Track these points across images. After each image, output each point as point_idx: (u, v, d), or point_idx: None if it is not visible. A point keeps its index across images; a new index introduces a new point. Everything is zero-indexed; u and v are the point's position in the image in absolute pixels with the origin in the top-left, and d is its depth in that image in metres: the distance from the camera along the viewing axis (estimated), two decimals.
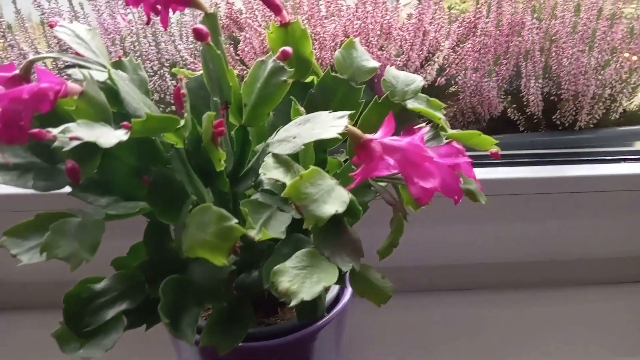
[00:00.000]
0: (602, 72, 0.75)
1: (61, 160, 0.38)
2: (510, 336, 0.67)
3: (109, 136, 0.35)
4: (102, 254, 0.38)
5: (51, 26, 0.46)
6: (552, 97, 0.80)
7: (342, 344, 0.55)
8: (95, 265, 0.39)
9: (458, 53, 0.77)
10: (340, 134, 0.38)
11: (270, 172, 0.37)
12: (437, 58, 0.72)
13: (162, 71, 0.70)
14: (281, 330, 0.45)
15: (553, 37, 0.79)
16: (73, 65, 0.44)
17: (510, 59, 0.79)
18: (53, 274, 0.62)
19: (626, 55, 0.79)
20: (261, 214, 0.36)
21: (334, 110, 0.49)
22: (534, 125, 0.82)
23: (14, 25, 0.73)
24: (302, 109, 0.45)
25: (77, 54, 0.44)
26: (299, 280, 0.33)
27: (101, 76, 0.43)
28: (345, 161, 0.50)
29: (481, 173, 0.70)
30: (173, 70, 0.54)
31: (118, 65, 0.48)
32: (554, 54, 0.78)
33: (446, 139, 0.46)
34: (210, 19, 0.43)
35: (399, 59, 0.71)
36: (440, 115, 0.46)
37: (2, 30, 0.71)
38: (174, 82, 0.72)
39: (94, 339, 0.40)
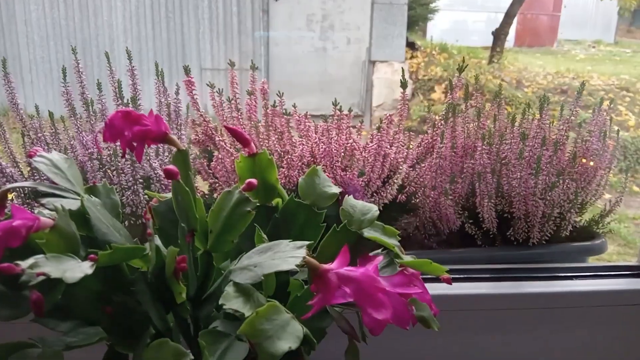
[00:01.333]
0: (550, 193, 0.82)
1: (26, 289, 0.39)
2: None
3: (75, 271, 0.36)
4: None
5: (30, 156, 0.49)
6: (506, 215, 0.85)
7: None
8: None
9: (417, 172, 0.83)
10: (297, 265, 0.41)
11: (229, 302, 0.39)
12: (397, 179, 0.77)
13: (136, 186, 0.73)
14: None
15: (503, 161, 0.86)
16: (49, 194, 0.46)
17: (465, 178, 0.85)
18: None
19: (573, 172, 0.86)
20: (219, 345, 0.37)
21: (297, 233, 0.53)
22: (491, 240, 0.86)
23: None
24: (264, 237, 0.48)
25: (54, 182, 0.47)
26: None
27: (74, 204, 0.46)
28: (306, 280, 0.52)
29: (442, 289, 0.72)
30: (146, 192, 0.57)
31: (92, 190, 0.51)
32: (504, 175, 0.84)
33: (400, 266, 0.48)
34: (181, 155, 0.47)
35: (361, 178, 0.76)
36: (394, 243, 0.49)
37: None
38: (146, 197, 0.74)
39: None
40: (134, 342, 0.38)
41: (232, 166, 0.75)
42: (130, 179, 0.73)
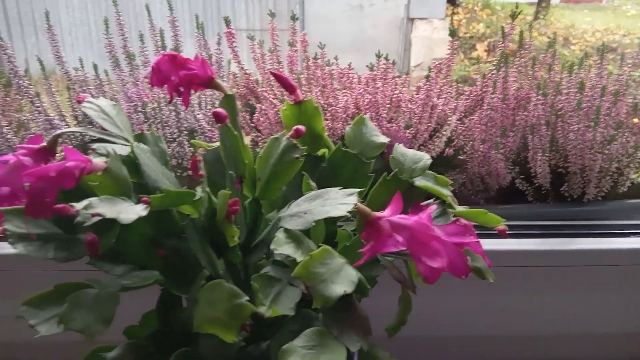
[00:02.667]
0: (608, 146, 0.77)
1: (81, 232, 0.40)
2: None
3: (129, 212, 0.36)
4: (116, 318, 0.38)
5: (79, 102, 0.49)
6: (559, 170, 0.81)
7: None
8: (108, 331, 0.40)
9: (465, 125, 0.80)
10: (349, 211, 0.39)
11: (281, 247, 0.38)
12: (446, 131, 0.74)
13: (180, 138, 0.73)
14: None
15: (559, 112, 0.82)
16: (98, 140, 0.46)
17: (517, 131, 0.81)
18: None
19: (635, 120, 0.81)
20: (271, 288, 0.37)
21: (344, 184, 0.51)
22: (543, 196, 0.83)
23: (41, 92, 0.78)
24: (313, 185, 0.47)
25: (103, 128, 0.47)
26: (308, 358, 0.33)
27: (124, 150, 0.46)
28: (354, 231, 0.51)
29: (490, 244, 0.70)
30: (192, 142, 0.56)
31: (140, 138, 0.50)
32: (560, 128, 0.80)
33: (453, 216, 0.47)
34: (228, 100, 0.46)
35: (408, 131, 0.74)
36: (447, 193, 0.47)
37: (30, 96, 0.75)
38: (191, 148, 0.74)
39: None
40: (187, 284, 0.38)
41: (276, 118, 0.74)
42: (175, 131, 0.73)
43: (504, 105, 0.80)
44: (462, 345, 0.75)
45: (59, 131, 0.46)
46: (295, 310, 0.37)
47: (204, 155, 0.54)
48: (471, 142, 0.80)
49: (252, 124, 0.81)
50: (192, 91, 0.48)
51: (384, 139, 0.54)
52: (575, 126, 0.76)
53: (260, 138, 0.81)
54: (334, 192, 0.43)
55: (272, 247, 0.38)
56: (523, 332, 0.74)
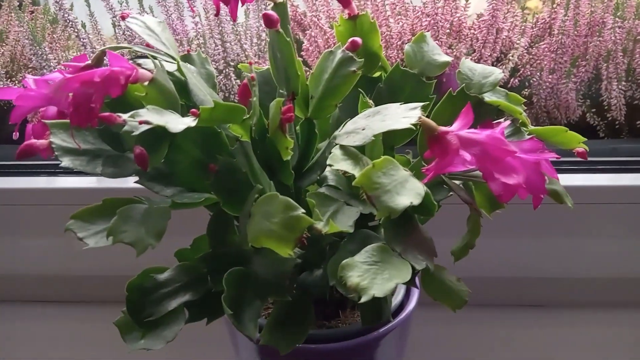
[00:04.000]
0: None
1: (129, 148, 0.38)
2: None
3: (177, 122, 0.34)
4: (165, 247, 0.37)
5: (123, 18, 0.46)
6: (636, 102, 0.74)
7: (405, 354, 0.52)
8: (158, 257, 0.39)
9: (533, 53, 0.73)
10: (413, 124, 0.36)
11: (338, 163, 0.35)
12: (513, 56, 0.68)
13: (227, 70, 0.71)
14: (344, 334, 0.43)
15: (637, 38, 0.73)
16: (144, 56, 0.44)
17: (589, 60, 0.73)
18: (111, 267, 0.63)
19: None
20: (328, 207, 0.34)
21: None
22: (616, 132, 0.76)
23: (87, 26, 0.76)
24: (370, 102, 0.43)
25: (148, 45, 0.44)
26: (370, 275, 0.30)
27: (170, 67, 0.43)
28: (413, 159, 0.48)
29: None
30: (239, 65, 0.53)
31: (186, 58, 0.48)
32: (638, 55, 0.72)
33: (528, 134, 0.42)
34: (279, 8, 0.42)
35: (469, 57, 0.68)
36: (520, 110, 0.43)
37: (76, 30, 0.74)
38: (238, 81, 0.72)
39: (155, 330, 0.39)
40: (240, 201, 0.36)
41: (326, 46, 0.70)
42: (222, 62, 0.70)
43: (576, 32, 0.73)
44: (519, 287, 0.71)
45: (104, 47, 0.44)
46: (353, 229, 0.35)
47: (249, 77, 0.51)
48: (539, 72, 0.73)
49: (300, 58, 0.77)
50: (240, 4, 0.45)
51: (446, 58, 0.49)
52: None
53: (309, 73, 0.78)
54: (394, 107, 0.39)
55: (328, 162, 0.35)
56: (591, 274, 0.69)
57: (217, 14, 0.44)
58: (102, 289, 0.70)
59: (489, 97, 0.43)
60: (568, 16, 0.72)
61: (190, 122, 0.34)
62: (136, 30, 0.45)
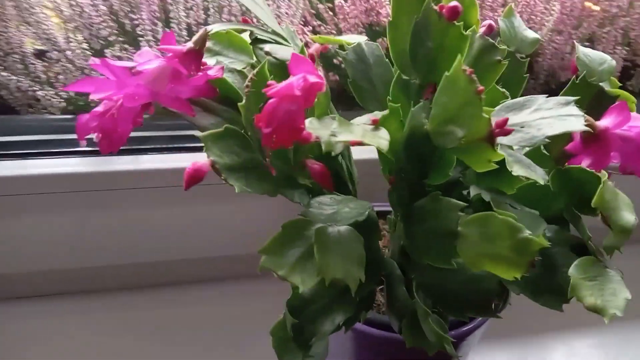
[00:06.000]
0: None
1: (297, 163, 0.33)
2: None
3: (379, 138, 0.30)
4: None
5: None
6: (626, 63, 0.80)
7: None
8: None
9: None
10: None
11: (514, 168, 0.34)
12: (548, 23, 0.68)
13: None
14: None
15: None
16: (266, 40, 0.37)
17: (591, 22, 0.77)
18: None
19: None
20: (539, 223, 0.33)
21: (502, 86, 0.45)
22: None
23: None
24: (506, 92, 0.41)
25: (255, 20, 0.38)
26: (597, 293, 0.30)
27: (287, 53, 0.37)
28: None
29: None
30: (315, 38, 0.47)
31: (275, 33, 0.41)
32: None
33: None
34: None
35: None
36: (634, 99, 0.44)
37: None
38: None
39: (313, 349, 0.36)
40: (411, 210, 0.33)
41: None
42: None
43: None
44: None
45: (208, 27, 0.36)
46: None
47: (346, 55, 0.46)
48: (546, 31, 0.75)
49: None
50: None
51: (535, 34, 0.48)
52: None
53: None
54: (543, 101, 0.38)
55: (509, 167, 0.34)
56: None
57: None
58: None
59: (606, 86, 0.44)
60: None
61: (386, 136, 0.30)
62: (242, 1, 0.38)
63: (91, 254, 0.62)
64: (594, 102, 0.44)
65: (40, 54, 0.62)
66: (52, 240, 0.60)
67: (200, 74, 0.36)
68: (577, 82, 0.43)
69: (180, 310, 0.64)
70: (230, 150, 0.32)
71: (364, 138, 0.29)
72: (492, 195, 0.38)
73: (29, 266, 0.61)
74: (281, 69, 0.40)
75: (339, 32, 0.67)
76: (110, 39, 0.59)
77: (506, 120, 0.31)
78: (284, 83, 0.27)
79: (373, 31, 0.66)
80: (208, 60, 0.38)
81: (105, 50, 0.58)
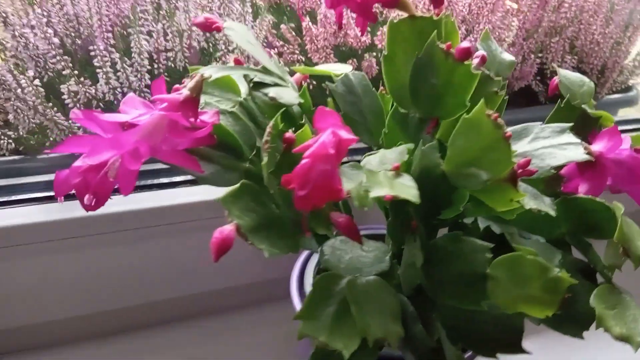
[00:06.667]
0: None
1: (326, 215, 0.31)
2: None
3: (406, 189, 0.29)
4: None
5: (209, 27, 0.36)
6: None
7: None
8: None
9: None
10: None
11: (525, 202, 0.34)
12: (507, 38, 0.70)
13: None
14: None
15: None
16: (266, 84, 0.35)
17: (540, 33, 0.80)
18: None
19: None
20: (550, 255, 0.33)
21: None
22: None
23: None
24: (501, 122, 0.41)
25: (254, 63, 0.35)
26: (620, 321, 0.31)
27: (293, 97, 0.36)
28: None
29: None
30: (294, 68, 0.45)
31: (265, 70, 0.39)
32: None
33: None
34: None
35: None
36: (613, 118, 0.46)
37: None
38: None
39: None
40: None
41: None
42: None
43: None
44: None
45: (204, 72, 0.34)
46: None
47: (335, 87, 0.44)
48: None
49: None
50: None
51: (511, 57, 0.49)
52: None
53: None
54: (539, 129, 0.39)
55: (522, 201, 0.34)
56: None
57: (339, 29, 0.37)
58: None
59: (587, 108, 0.45)
60: None
61: (413, 184, 0.30)
62: (236, 41, 0.35)
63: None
64: (579, 124, 0.45)
65: None
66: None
67: (198, 121, 0.33)
68: (562, 106, 0.44)
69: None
70: (247, 207, 0.30)
71: (396, 191, 0.28)
72: (500, 227, 0.38)
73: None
74: (275, 109, 0.38)
75: (303, 53, 0.66)
76: (65, 72, 0.53)
77: (529, 161, 0.31)
78: (315, 142, 0.26)
79: (340, 51, 0.65)
80: None
81: (62, 86, 0.53)
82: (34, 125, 0.54)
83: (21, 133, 0.55)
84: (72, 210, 0.53)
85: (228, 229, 0.27)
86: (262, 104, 0.39)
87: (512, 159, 0.29)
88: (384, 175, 0.30)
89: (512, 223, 0.39)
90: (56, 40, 0.53)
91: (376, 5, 0.37)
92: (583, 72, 0.82)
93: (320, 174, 0.25)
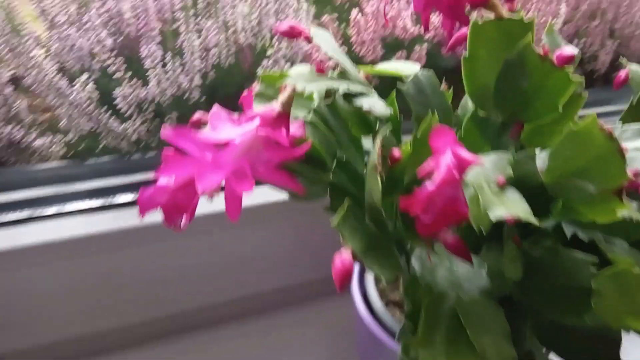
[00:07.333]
0: None
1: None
2: None
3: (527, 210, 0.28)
4: None
5: (295, 34, 0.35)
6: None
7: None
8: None
9: None
10: None
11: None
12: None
13: None
14: None
15: None
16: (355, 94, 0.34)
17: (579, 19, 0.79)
18: None
19: None
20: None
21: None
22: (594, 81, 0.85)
23: None
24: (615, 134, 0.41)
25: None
26: None
27: (382, 107, 0.35)
28: None
29: None
30: (360, 67, 0.44)
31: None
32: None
33: None
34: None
35: None
36: None
37: None
38: None
39: None
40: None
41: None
42: None
43: None
44: None
45: (295, 82, 0.33)
46: None
47: (406, 89, 0.43)
48: None
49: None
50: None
51: (575, 49, 0.48)
52: None
53: None
54: (619, 131, 0.38)
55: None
56: None
57: (426, 30, 0.36)
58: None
59: None
60: None
61: (524, 202, 0.29)
62: (324, 48, 0.34)
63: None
64: None
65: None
66: None
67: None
68: (635, 103, 0.44)
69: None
70: (353, 227, 0.29)
71: (513, 210, 0.27)
72: (586, 233, 0.38)
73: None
74: (356, 116, 0.38)
75: (346, 44, 0.64)
76: (116, 75, 0.52)
77: (638, 172, 0.31)
78: (436, 164, 0.25)
79: (386, 43, 0.64)
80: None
81: (116, 90, 0.52)
82: (86, 131, 0.53)
83: (71, 138, 0.55)
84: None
85: (346, 256, 0.26)
86: (343, 111, 0.38)
87: (626, 171, 0.28)
88: (490, 190, 0.29)
89: (593, 226, 0.39)
90: (109, 41, 0.52)
91: None
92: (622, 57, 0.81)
93: (446, 200, 0.25)
